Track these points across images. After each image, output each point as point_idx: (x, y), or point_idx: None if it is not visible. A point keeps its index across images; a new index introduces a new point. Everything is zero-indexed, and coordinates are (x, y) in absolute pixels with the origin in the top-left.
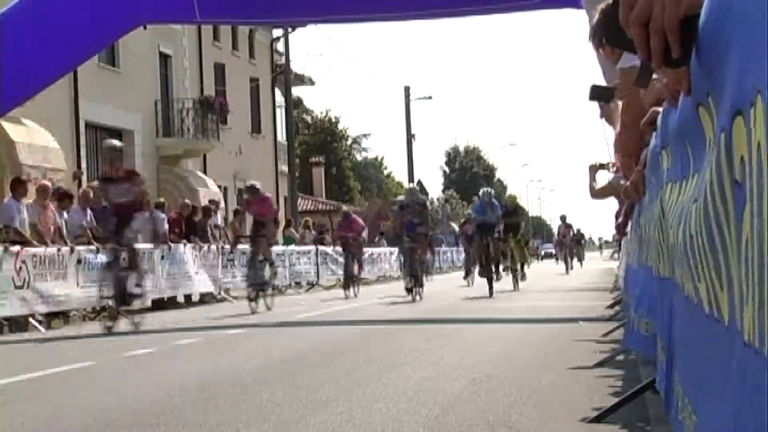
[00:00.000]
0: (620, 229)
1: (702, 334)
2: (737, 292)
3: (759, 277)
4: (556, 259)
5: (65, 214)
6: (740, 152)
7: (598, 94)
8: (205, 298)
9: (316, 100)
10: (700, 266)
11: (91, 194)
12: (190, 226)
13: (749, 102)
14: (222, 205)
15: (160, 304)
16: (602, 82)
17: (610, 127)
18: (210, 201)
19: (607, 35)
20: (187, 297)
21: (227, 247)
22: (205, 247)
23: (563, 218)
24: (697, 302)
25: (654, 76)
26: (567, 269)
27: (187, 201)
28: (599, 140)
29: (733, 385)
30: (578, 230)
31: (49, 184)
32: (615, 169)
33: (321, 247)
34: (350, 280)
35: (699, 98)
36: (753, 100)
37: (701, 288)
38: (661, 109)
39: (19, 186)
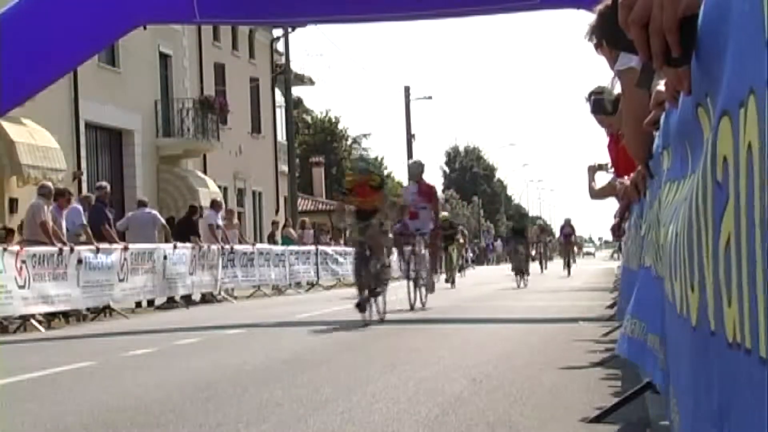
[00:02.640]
0: (615, 230)
1: (678, 334)
2: (711, 292)
3: (747, 278)
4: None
5: (62, 212)
6: (724, 153)
7: (600, 106)
8: (206, 297)
9: (316, 100)
10: (679, 265)
11: (93, 199)
12: (189, 225)
13: (738, 102)
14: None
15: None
16: (601, 83)
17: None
18: (213, 201)
19: (607, 36)
20: (188, 297)
21: (227, 246)
22: (205, 246)
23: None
24: (673, 301)
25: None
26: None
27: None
28: (599, 140)
29: (709, 382)
30: (567, 220)
31: (50, 184)
32: (613, 169)
33: (321, 247)
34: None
35: (698, 98)
36: (742, 100)
37: (676, 287)
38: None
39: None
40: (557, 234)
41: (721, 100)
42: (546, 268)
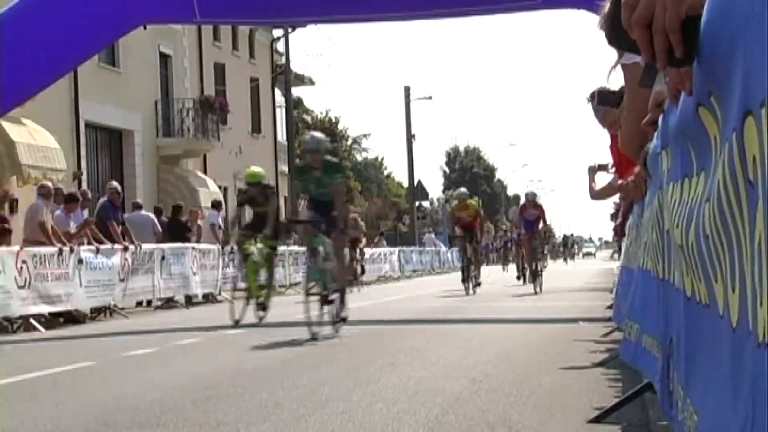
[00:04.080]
0: (618, 230)
1: (714, 336)
2: (750, 292)
3: None
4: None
5: (71, 215)
6: (752, 152)
7: (605, 98)
8: (208, 297)
9: (316, 100)
10: (718, 267)
11: (89, 195)
12: (183, 226)
13: (759, 102)
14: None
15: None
16: (602, 83)
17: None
18: (214, 202)
19: (610, 36)
20: (188, 297)
21: (227, 246)
22: (205, 246)
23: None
24: (711, 303)
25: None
26: (468, 287)
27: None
28: (599, 141)
29: (745, 385)
30: (530, 195)
31: (50, 184)
32: (614, 170)
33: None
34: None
35: (700, 98)
36: (763, 99)
37: (718, 289)
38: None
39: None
40: (515, 216)
41: (740, 100)
42: (526, 275)
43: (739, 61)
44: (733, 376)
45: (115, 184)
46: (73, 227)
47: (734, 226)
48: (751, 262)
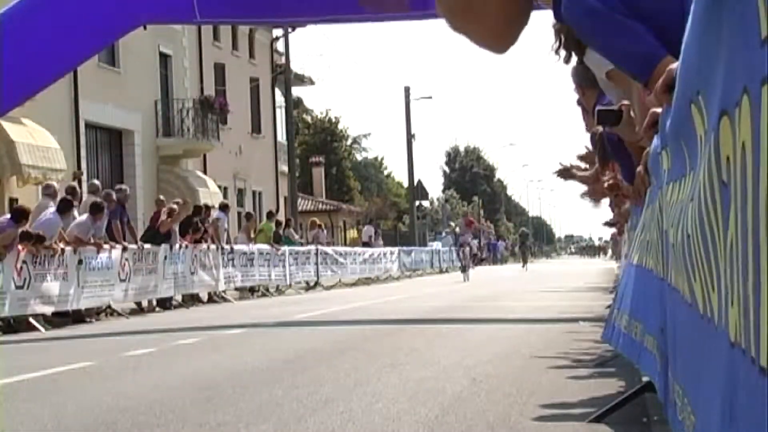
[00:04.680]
0: (619, 230)
1: (697, 334)
2: (724, 291)
3: (744, 277)
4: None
5: (96, 224)
6: (726, 153)
7: (606, 117)
8: (209, 297)
9: (316, 100)
10: (696, 266)
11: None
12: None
13: (735, 102)
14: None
15: (161, 304)
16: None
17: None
18: (222, 204)
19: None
20: (188, 297)
21: (227, 246)
22: (205, 246)
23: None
24: (693, 302)
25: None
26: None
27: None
28: None
29: (721, 383)
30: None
31: (55, 184)
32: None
33: (321, 247)
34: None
35: (691, 97)
36: (738, 100)
37: (696, 288)
38: (660, 110)
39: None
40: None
41: (718, 100)
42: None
43: (722, 60)
44: (715, 376)
45: (124, 186)
46: (91, 235)
47: (710, 227)
48: (724, 262)
